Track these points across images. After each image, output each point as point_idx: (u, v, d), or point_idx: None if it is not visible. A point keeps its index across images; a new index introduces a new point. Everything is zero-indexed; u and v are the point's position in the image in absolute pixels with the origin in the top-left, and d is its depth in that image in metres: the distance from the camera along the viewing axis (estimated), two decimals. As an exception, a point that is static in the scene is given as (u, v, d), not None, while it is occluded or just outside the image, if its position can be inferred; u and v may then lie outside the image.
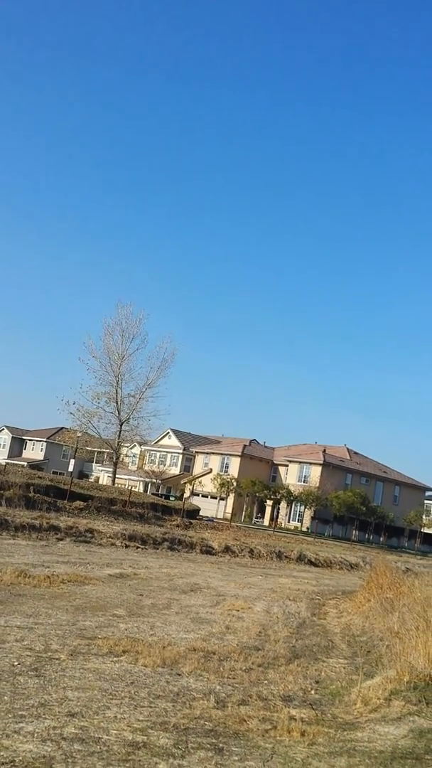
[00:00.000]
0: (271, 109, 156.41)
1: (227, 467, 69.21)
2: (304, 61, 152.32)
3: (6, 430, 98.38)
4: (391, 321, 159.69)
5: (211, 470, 68.74)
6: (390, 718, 7.70)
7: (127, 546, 26.60)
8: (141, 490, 64.04)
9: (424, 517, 71.20)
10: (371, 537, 62.70)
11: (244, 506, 64.33)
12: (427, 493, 79.44)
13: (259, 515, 66.69)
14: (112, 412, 54.19)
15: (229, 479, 64.36)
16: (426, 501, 79.68)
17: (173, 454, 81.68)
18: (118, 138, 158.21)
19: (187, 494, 66.37)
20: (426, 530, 69.86)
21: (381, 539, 63.09)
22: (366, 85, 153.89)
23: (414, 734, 7.15)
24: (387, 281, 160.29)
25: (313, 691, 8.97)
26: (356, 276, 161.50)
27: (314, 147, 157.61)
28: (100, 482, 63.35)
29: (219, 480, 64.10)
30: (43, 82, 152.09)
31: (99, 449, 65.35)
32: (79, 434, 56.51)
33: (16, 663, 8.17)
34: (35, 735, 5.84)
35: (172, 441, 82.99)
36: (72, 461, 52.49)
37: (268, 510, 66.25)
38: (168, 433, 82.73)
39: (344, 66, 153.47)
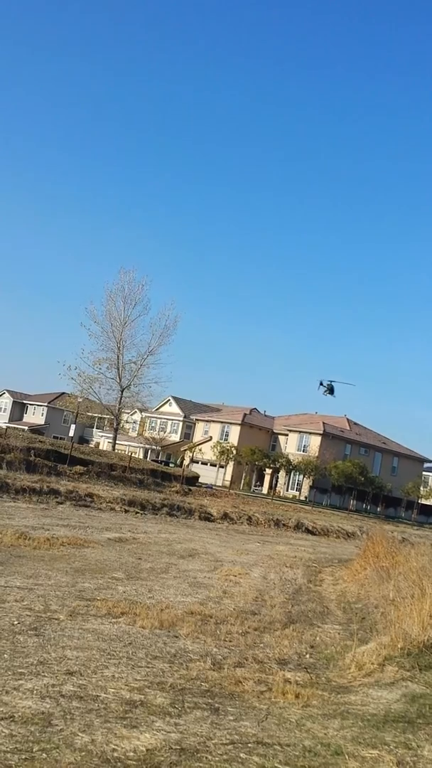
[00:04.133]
0: (270, 73, 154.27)
1: (227, 435, 69.41)
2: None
3: (7, 394, 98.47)
4: (395, 291, 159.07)
5: (211, 438, 68.97)
6: (383, 683, 7.82)
7: (126, 511, 26.80)
8: (141, 457, 64.33)
9: (421, 488, 71.58)
10: (369, 507, 63.08)
11: (243, 474, 64.64)
12: (426, 465, 79.75)
13: (258, 483, 67.05)
14: (113, 378, 54.30)
15: (228, 447, 64.57)
16: (424, 472, 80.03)
17: (174, 422, 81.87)
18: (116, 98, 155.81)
19: (186, 461, 66.67)
20: (423, 501, 70.25)
21: (378, 509, 63.49)
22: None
23: (406, 699, 7.26)
24: (392, 250, 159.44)
25: (308, 655, 9.10)
26: (360, 243, 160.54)
27: (317, 110, 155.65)
28: (101, 448, 63.60)
29: (219, 448, 64.32)
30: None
31: (100, 415, 65.53)
32: (80, 399, 56.62)
33: (15, 622, 8.28)
34: (34, 692, 5.95)
35: (173, 408, 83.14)
36: (73, 426, 52.58)
37: (267, 478, 66.59)
38: (169, 400, 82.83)
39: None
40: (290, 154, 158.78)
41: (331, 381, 42.79)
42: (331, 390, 43.31)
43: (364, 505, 62.90)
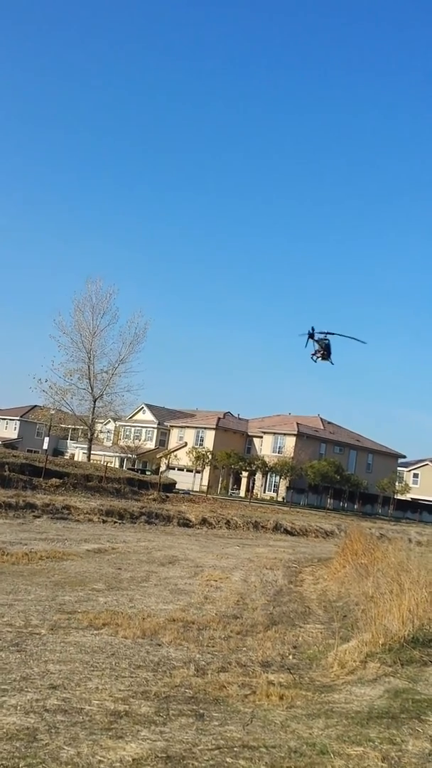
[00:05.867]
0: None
1: (202, 440, 69.38)
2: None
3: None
4: (366, 288, 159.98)
5: (186, 444, 68.90)
6: (366, 680, 7.88)
7: (104, 521, 26.69)
8: (117, 466, 64.07)
9: (397, 483, 72.12)
10: (346, 505, 63.40)
11: (220, 478, 64.66)
12: (400, 461, 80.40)
13: (235, 487, 67.09)
14: (85, 389, 54.02)
15: (204, 452, 64.59)
16: (399, 468, 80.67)
17: (148, 429, 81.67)
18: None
19: (162, 468, 66.52)
20: (399, 497, 70.78)
21: (355, 506, 63.85)
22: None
23: (389, 694, 7.32)
24: (359, 246, 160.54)
25: (291, 656, 9.14)
26: (324, 241, 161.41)
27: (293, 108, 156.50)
28: (76, 459, 63.25)
29: (194, 453, 64.30)
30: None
31: (73, 426, 65.17)
32: (53, 411, 56.26)
33: (-4, 639, 8.23)
34: (18, 708, 5.92)
35: (147, 416, 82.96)
36: (46, 439, 52.20)
37: (244, 481, 66.66)
38: (142, 407, 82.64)
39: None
40: (251, 153, 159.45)
41: (325, 334, 26.95)
42: (325, 352, 29.82)
43: (342, 503, 63.20)
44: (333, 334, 26.47)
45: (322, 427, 71.97)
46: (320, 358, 27.05)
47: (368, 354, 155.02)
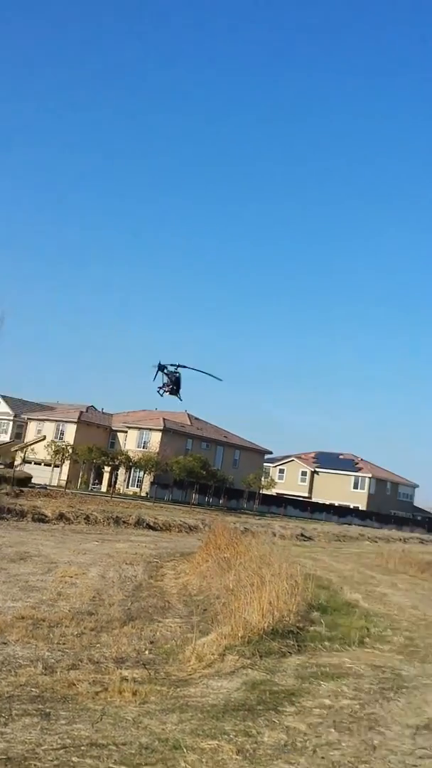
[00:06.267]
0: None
1: (63, 434, 67.89)
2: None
3: None
4: (239, 281, 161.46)
5: (45, 437, 66.99)
6: (223, 673, 7.70)
7: None
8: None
9: (262, 479, 73.37)
10: (211, 500, 63.83)
11: (81, 473, 63.49)
12: (267, 457, 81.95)
13: (97, 482, 66.06)
14: None
15: (64, 446, 63.16)
16: (265, 464, 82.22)
17: (3, 421, 79.07)
18: None
19: (18, 462, 64.47)
20: (265, 492, 72.04)
21: (221, 501, 64.40)
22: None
23: (246, 687, 7.17)
24: (226, 238, 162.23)
25: (147, 652, 8.83)
26: (186, 233, 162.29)
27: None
28: None
29: (53, 447, 62.78)
30: None
31: None
32: None
33: None
34: None
35: (2, 407, 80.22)
36: None
37: (106, 476, 65.80)
38: (-4, 398, 79.81)
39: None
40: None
41: (176, 367, 25.69)
42: (174, 386, 27.06)
43: (207, 498, 63.59)
44: (186, 367, 25.98)
45: (189, 423, 72.18)
46: (167, 393, 26.45)
47: (238, 348, 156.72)
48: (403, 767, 5.38)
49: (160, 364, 25.29)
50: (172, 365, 25.46)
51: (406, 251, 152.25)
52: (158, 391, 26.27)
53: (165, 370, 25.48)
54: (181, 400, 26.56)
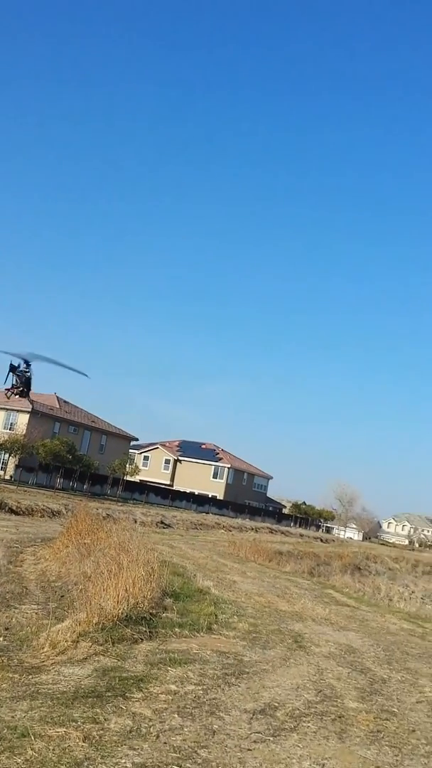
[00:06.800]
0: None
1: None
2: None
3: None
4: (112, 273, 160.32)
5: None
6: (76, 660, 7.90)
7: None
8: None
9: (127, 465, 73.46)
10: (76, 485, 63.32)
11: None
12: (133, 443, 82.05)
13: None
14: None
15: None
16: (131, 450, 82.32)
17: None
18: None
19: None
20: (129, 478, 72.17)
21: (85, 487, 64.02)
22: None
23: (98, 673, 7.40)
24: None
25: (1, 639, 8.88)
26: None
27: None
28: None
29: None
30: None
31: None
32: None
33: None
34: None
35: None
36: None
37: (-32, 458, 64.07)
38: None
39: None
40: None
41: (27, 367, 24.22)
42: (24, 387, 25.84)
43: (72, 483, 63.04)
44: (51, 361, 24.65)
45: (58, 406, 71.22)
46: (17, 396, 25.20)
47: (106, 336, 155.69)
48: (239, 751, 5.77)
49: (11, 365, 24.34)
50: (25, 362, 24.44)
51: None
52: (6, 393, 25.36)
53: (17, 371, 24.54)
54: (31, 403, 25.38)
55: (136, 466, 78.77)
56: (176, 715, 6.37)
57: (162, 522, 42.25)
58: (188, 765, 5.30)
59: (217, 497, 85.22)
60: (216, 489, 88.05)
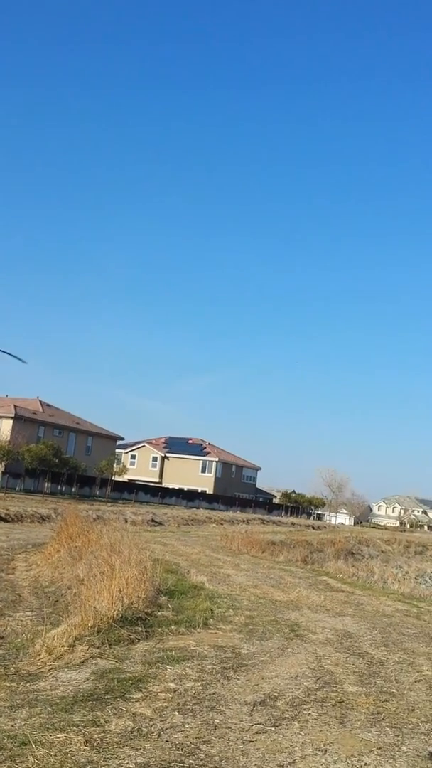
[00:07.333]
0: None
1: None
2: None
3: None
4: (87, 269, 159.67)
5: None
6: (73, 664, 7.88)
7: None
8: None
9: (115, 465, 73.37)
10: (64, 488, 63.13)
11: None
12: (119, 443, 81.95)
13: None
14: None
15: None
16: (117, 450, 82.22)
17: None
18: None
19: None
20: (117, 478, 72.08)
21: (73, 489, 63.84)
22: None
23: (96, 676, 7.39)
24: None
25: (-4, 648, 8.86)
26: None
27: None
28: None
29: None
30: None
31: None
32: None
33: None
34: None
35: None
36: None
37: None
38: None
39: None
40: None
41: None
42: None
43: (60, 487, 62.84)
44: None
45: (41, 410, 70.94)
46: None
47: (88, 336, 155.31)
48: (241, 743, 5.78)
49: None
50: None
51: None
52: None
53: None
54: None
55: (124, 466, 78.70)
56: (177, 713, 6.37)
57: (153, 520, 42.24)
58: (191, 761, 5.30)
59: (207, 492, 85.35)
60: (205, 483, 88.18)
